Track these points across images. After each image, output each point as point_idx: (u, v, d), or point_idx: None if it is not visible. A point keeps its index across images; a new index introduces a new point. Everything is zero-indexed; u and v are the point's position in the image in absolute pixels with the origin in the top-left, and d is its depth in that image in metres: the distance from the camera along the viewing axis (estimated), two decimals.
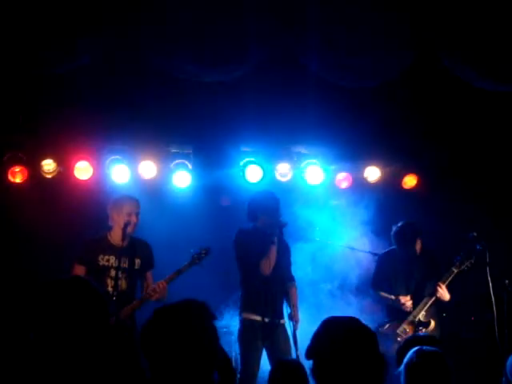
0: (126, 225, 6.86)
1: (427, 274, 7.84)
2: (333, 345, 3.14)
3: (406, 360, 3.95)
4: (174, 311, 3.07)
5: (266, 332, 6.87)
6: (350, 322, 3.28)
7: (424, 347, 3.98)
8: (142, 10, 7.01)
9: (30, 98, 8.06)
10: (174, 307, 3.10)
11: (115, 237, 6.95)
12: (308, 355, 3.23)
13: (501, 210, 9.06)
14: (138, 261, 6.96)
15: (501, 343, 7.14)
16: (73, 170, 8.58)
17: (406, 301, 7.66)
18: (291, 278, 7.23)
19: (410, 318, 7.67)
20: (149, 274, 7.08)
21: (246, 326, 6.95)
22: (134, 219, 6.94)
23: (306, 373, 4.66)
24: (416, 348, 3.98)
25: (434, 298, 7.65)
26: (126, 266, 6.87)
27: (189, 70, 7.41)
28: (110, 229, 7.00)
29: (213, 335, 3.04)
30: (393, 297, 7.75)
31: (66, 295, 3.06)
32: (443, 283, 7.60)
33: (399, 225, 7.87)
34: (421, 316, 7.69)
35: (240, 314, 7.04)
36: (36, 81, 7.64)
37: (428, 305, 7.67)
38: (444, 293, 7.59)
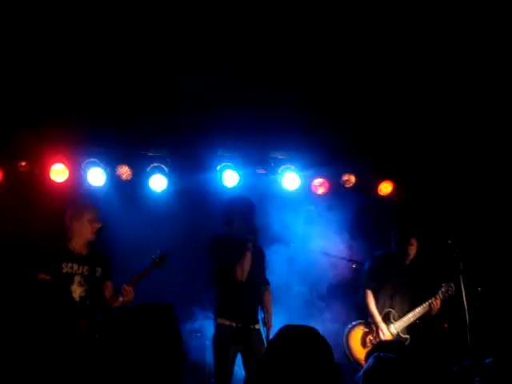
0: (94, 233, 6.83)
1: (415, 286, 7.93)
2: (286, 354, 3.12)
3: (365, 366, 3.93)
4: (137, 313, 3.04)
5: (239, 337, 6.88)
6: (305, 331, 3.26)
7: (383, 354, 3.95)
8: None
9: (6, 100, 8.00)
10: (138, 309, 3.08)
11: (76, 245, 6.88)
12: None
13: (476, 217, 9.12)
14: (99, 269, 6.91)
15: (473, 351, 7.19)
16: (48, 172, 8.53)
17: (385, 334, 7.73)
18: (265, 283, 7.23)
19: (393, 330, 7.75)
20: (109, 283, 6.99)
21: (219, 331, 6.96)
22: (96, 225, 6.88)
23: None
24: (375, 354, 3.95)
25: (420, 315, 7.74)
26: (87, 273, 6.81)
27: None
28: (68, 239, 6.92)
29: (175, 339, 3.02)
30: (378, 320, 7.79)
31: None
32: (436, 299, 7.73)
33: (396, 229, 7.99)
34: (401, 331, 7.79)
35: (214, 320, 7.05)
36: (12, 84, 7.60)
37: (410, 323, 7.79)
38: (437, 306, 7.72)
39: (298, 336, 3.21)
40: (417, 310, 7.84)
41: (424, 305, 7.85)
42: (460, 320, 7.46)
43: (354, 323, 7.89)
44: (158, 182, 8.79)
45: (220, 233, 7.14)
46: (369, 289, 7.94)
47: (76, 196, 8.19)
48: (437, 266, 8.03)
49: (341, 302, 8.74)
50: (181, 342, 3.06)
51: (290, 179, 9.06)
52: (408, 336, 7.84)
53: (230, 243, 6.97)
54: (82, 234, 6.81)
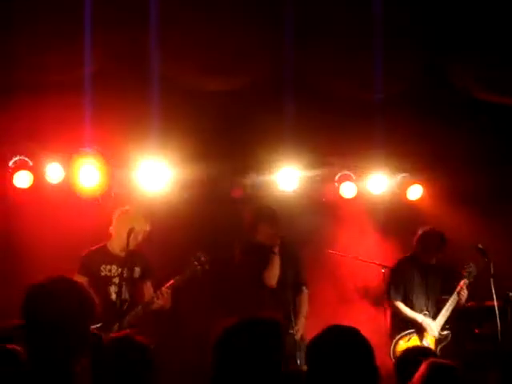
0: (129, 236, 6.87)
1: (443, 286, 7.92)
2: (326, 353, 3.11)
3: (418, 374, 3.90)
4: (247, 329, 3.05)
5: None
6: (348, 332, 3.25)
7: (436, 360, 3.94)
8: None
9: None
10: (244, 326, 3.09)
11: (115, 246, 6.97)
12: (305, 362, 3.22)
13: (505, 222, 9.06)
14: (137, 269, 6.99)
15: (505, 355, 7.11)
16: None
17: (434, 330, 7.72)
18: (300, 285, 7.21)
19: (436, 334, 7.73)
20: (149, 284, 7.07)
21: None
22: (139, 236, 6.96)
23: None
24: (429, 361, 3.93)
25: (451, 307, 7.68)
26: (126, 275, 6.87)
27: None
28: (109, 238, 7.00)
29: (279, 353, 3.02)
30: (421, 319, 7.75)
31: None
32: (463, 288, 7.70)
33: (427, 230, 7.95)
34: (441, 329, 7.80)
35: None
36: None
37: (446, 317, 7.76)
38: (465, 293, 7.65)
39: (339, 336, 3.21)
40: (448, 304, 7.81)
41: (454, 296, 7.80)
42: (491, 325, 7.41)
43: (400, 335, 7.85)
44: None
45: (244, 241, 7.16)
46: (396, 301, 7.92)
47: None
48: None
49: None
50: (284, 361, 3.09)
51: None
52: (448, 332, 7.82)
53: (257, 249, 6.99)
54: (121, 236, 6.89)
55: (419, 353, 4.62)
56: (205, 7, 7.23)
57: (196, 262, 6.92)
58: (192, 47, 7.30)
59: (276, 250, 6.95)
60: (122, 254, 6.89)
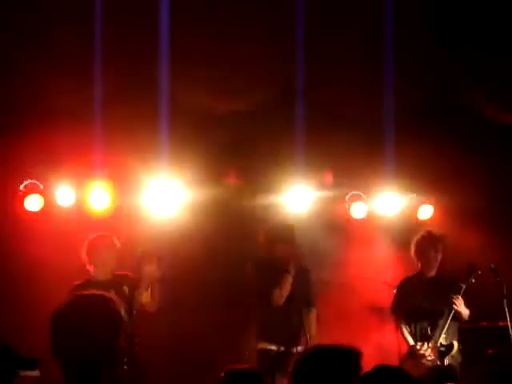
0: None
1: (446, 299, 7.83)
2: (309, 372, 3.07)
3: None
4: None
5: (282, 361, 6.83)
6: (335, 352, 3.20)
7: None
8: None
9: None
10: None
11: (97, 275, 7.00)
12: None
13: None
14: (125, 288, 6.98)
15: None
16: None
17: (423, 349, 7.63)
18: (309, 305, 7.18)
19: (431, 343, 7.64)
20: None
21: (262, 356, 6.92)
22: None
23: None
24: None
25: (450, 317, 7.61)
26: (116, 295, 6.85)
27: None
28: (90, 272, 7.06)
29: None
30: (411, 342, 7.71)
31: None
32: (457, 296, 7.59)
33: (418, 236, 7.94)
34: (442, 340, 7.65)
35: (257, 344, 7.01)
36: None
37: (446, 326, 7.64)
38: (461, 304, 7.57)
39: (326, 355, 3.16)
40: (445, 315, 7.71)
41: (451, 306, 7.71)
42: (505, 346, 7.37)
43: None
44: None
45: (260, 257, 7.14)
46: (399, 321, 7.88)
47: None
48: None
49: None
50: None
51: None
52: (453, 342, 7.69)
53: (271, 267, 6.96)
54: (101, 263, 6.95)
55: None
56: (215, 31, 7.28)
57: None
58: (202, 70, 7.34)
59: (291, 269, 6.90)
60: (107, 278, 6.94)
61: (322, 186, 8.81)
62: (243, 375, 3.82)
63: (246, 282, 7.16)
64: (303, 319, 6.99)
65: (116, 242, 7.13)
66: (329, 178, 8.87)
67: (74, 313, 3.00)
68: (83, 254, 7.12)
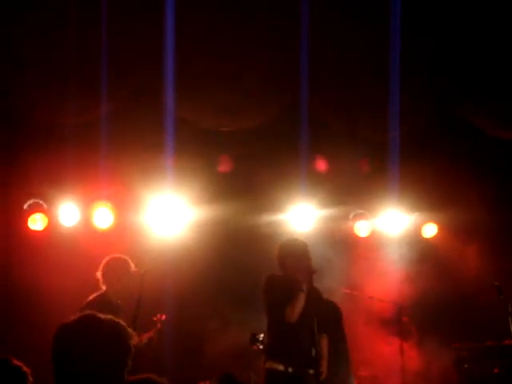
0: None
1: None
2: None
3: None
4: None
5: (290, 382, 6.68)
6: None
7: None
8: None
9: None
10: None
11: (110, 294, 7.07)
12: None
13: None
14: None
15: None
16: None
17: None
18: (322, 330, 7.08)
19: None
20: None
21: (269, 376, 6.79)
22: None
23: None
24: None
25: None
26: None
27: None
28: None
29: None
30: None
31: None
32: None
33: None
34: None
35: (264, 363, 6.88)
36: None
37: None
38: None
39: None
40: None
41: None
42: (510, 364, 7.33)
43: None
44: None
45: (275, 274, 7.06)
46: None
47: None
48: None
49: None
50: None
51: None
52: None
53: (284, 284, 6.87)
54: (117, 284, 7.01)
55: None
56: (220, 48, 7.30)
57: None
58: (207, 88, 7.36)
59: (304, 286, 6.79)
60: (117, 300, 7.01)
61: (326, 204, 8.82)
62: None
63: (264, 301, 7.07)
64: (316, 340, 6.87)
65: (131, 264, 7.14)
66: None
67: (81, 328, 2.99)
68: (98, 274, 7.14)
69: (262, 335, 7.45)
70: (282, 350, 6.72)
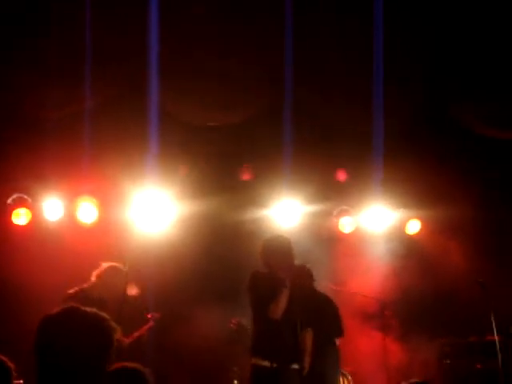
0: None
1: None
2: None
3: None
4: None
5: (275, 378, 6.73)
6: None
7: None
8: None
9: None
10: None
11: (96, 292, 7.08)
12: None
13: (503, 256, 9.08)
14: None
15: None
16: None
17: None
18: (306, 325, 7.12)
19: None
20: None
21: (254, 372, 6.83)
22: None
23: None
24: None
25: None
26: None
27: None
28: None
29: None
30: None
31: None
32: None
33: None
34: None
35: (251, 358, 6.93)
36: None
37: None
38: None
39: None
40: None
41: None
42: (492, 360, 7.37)
43: None
44: None
45: (260, 272, 7.07)
46: None
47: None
48: None
49: None
50: None
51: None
52: None
53: (268, 281, 6.89)
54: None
55: None
56: (204, 42, 7.30)
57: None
58: (193, 82, 7.35)
59: (287, 282, 6.82)
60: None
61: (311, 200, 8.83)
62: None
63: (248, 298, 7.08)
64: (300, 336, 6.91)
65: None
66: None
67: (65, 319, 2.97)
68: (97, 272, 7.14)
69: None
70: (266, 346, 6.76)
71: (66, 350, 2.88)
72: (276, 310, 6.72)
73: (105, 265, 7.15)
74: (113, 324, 3.06)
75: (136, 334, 7.22)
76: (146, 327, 7.34)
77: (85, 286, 7.07)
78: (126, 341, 7.11)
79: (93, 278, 7.10)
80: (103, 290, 7.01)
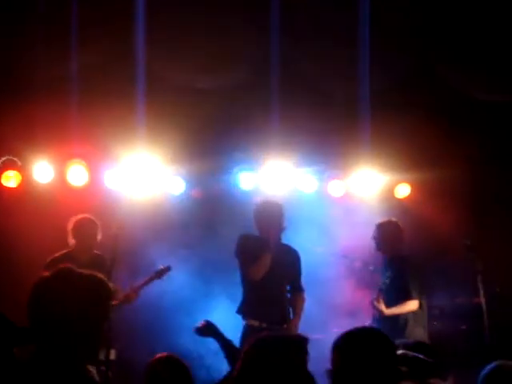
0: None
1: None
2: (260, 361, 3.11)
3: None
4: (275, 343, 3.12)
5: None
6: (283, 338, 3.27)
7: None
8: None
9: None
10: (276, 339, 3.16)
11: (79, 251, 7.07)
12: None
13: (493, 219, 9.11)
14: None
15: (492, 352, 7.14)
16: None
17: None
18: (298, 289, 7.19)
19: None
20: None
21: (245, 331, 6.95)
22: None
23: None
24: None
25: None
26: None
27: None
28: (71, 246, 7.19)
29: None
30: None
31: None
32: None
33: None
34: None
35: (243, 319, 7.04)
36: None
37: None
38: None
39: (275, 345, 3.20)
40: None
41: None
42: (478, 321, 7.42)
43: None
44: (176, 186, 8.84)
45: (247, 234, 7.12)
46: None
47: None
48: None
49: None
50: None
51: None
52: None
53: (255, 243, 6.96)
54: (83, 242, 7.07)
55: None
56: (192, 6, 7.26)
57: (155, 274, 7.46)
58: (179, 45, 7.32)
59: (269, 246, 6.87)
60: (87, 256, 7.09)
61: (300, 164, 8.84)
62: None
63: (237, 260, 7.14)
64: (290, 299, 7.00)
65: (97, 222, 7.25)
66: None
67: (60, 284, 2.95)
68: (68, 229, 7.24)
69: None
70: (254, 307, 6.88)
71: (63, 310, 2.89)
72: (256, 273, 6.81)
73: (73, 219, 7.24)
74: (110, 284, 3.08)
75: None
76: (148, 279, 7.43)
77: (69, 248, 7.14)
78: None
79: (71, 240, 7.17)
80: (79, 245, 7.09)
